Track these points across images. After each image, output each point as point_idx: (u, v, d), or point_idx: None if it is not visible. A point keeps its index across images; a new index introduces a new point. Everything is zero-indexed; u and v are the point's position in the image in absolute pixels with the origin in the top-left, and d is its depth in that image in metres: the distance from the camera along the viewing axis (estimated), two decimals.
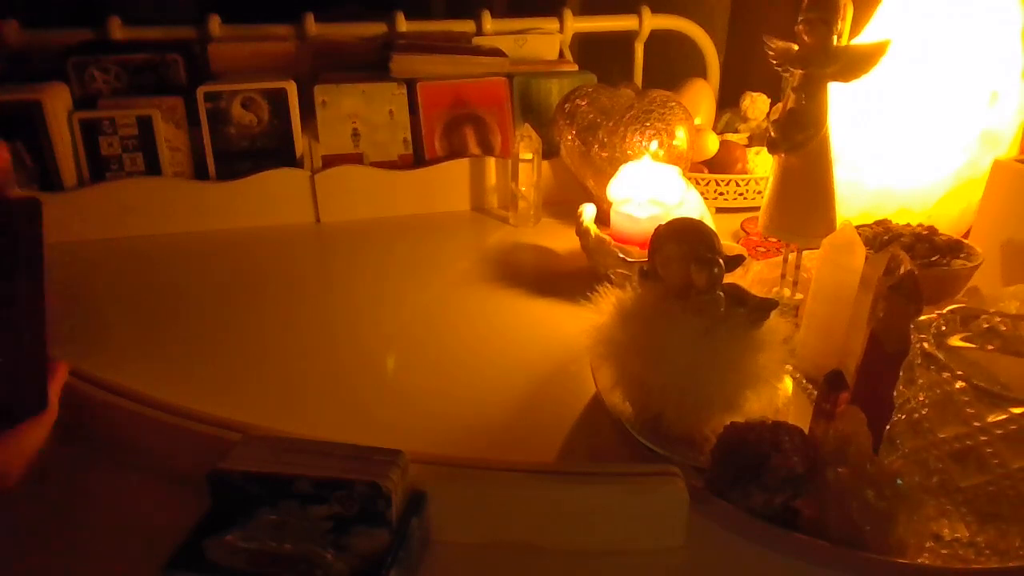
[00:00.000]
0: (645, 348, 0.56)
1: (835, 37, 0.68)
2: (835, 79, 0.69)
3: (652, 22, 1.32)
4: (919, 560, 0.48)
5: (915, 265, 0.57)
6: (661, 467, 0.51)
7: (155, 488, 0.56)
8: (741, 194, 1.11)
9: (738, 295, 0.56)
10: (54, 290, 0.45)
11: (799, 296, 0.78)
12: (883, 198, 0.90)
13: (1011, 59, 0.86)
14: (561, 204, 1.10)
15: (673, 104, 1.03)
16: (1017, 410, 0.46)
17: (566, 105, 1.05)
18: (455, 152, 1.14)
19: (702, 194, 0.97)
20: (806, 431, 0.53)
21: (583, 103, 1.04)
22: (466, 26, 1.23)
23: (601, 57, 1.34)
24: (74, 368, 0.49)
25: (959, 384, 0.47)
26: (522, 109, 1.16)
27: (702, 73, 1.38)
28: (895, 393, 0.51)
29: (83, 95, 1.04)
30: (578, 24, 1.28)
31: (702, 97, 1.23)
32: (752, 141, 1.20)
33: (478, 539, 0.50)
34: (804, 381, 0.68)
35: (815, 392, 0.63)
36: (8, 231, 0.43)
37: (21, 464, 0.46)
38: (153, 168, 1.03)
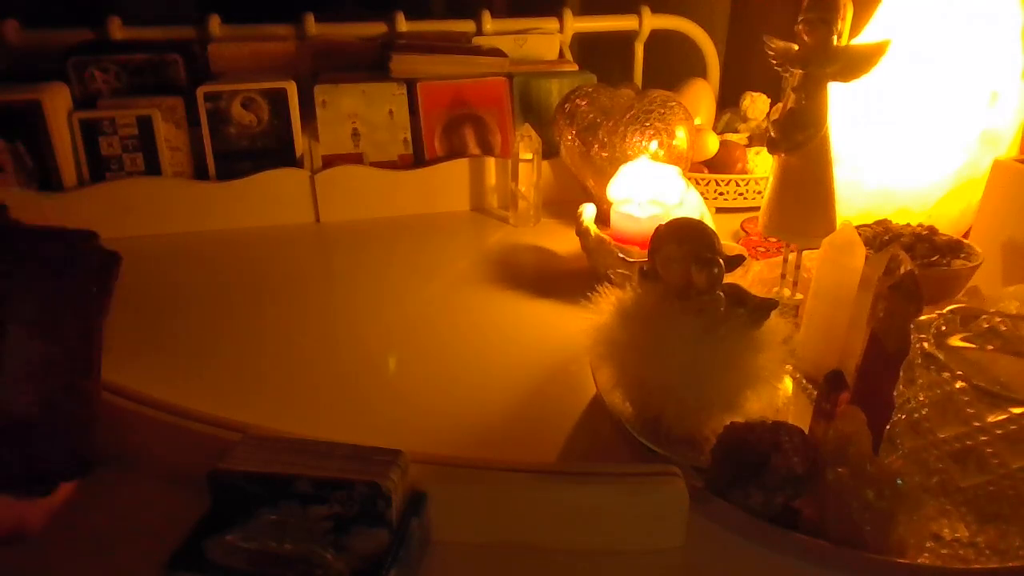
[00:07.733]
0: (645, 348, 0.56)
1: (835, 37, 0.68)
2: (835, 79, 0.69)
3: (652, 22, 1.32)
4: (919, 560, 0.48)
5: (915, 265, 0.57)
6: (661, 467, 0.51)
7: (155, 488, 0.55)
8: (741, 194, 1.11)
9: (738, 295, 0.56)
10: None
11: (799, 296, 0.78)
12: (883, 198, 0.90)
13: (1011, 59, 0.86)
14: (561, 204, 1.10)
15: (673, 104, 1.03)
16: (1017, 410, 0.46)
17: (566, 105, 1.05)
18: (455, 152, 1.14)
19: (702, 194, 0.97)
20: (806, 431, 0.53)
21: (583, 103, 1.04)
22: (466, 26, 1.23)
23: (601, 57, 1.34)
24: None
25: (959, 384, 0.47)
26: (522, 109, 1.16)
27: (702, 73, 1.38)
28: (895, 393, 0.51)
29: (83, 95, 1.04)
30: (578, 24, 1.28)
31: (702, 97, 1.23)
32: (752, 141, 1.19)
33: (478, 539, 0.50)
34: (804, 381, 0.68)
35: (815, 392, 0.63)
36: (75, 274, 0.39)
37: (47, 518, 0.44)
38: (153, 168, 1.03)
